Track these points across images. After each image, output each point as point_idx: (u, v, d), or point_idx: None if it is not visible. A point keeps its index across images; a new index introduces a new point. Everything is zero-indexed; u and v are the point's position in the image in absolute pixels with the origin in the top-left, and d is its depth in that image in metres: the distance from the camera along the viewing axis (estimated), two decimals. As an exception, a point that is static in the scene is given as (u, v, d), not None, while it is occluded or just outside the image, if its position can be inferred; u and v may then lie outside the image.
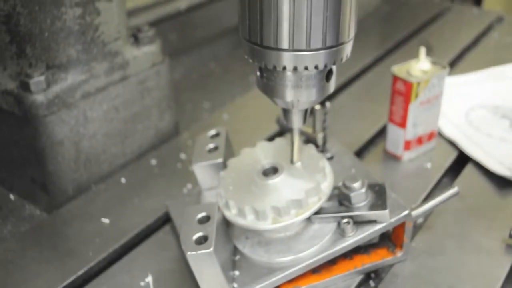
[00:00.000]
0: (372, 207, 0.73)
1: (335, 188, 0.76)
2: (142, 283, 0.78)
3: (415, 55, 0.98)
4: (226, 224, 0.77)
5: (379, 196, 0.75)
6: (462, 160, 1.02)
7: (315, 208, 0.73)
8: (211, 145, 0.85)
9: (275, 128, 1.08)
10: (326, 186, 0.75)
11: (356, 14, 0.63)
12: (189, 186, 0.96)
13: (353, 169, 0.85)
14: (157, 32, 1.04)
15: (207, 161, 0.83)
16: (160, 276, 0.79)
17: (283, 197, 0.72)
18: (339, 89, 1.30)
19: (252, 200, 0.73)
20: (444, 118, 1.11)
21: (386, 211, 0.72)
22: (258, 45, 0.62)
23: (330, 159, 0.88)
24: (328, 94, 0.68)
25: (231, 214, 0.74)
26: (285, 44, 0.60)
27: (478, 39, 1.55)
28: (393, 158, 1.02)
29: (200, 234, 0.67)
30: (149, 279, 0.78)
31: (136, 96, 1.01)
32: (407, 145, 1.00)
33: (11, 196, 0.99)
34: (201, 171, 0.84)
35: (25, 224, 0.92)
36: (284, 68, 0.62)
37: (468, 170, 0.99)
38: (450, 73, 1.26)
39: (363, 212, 0.73)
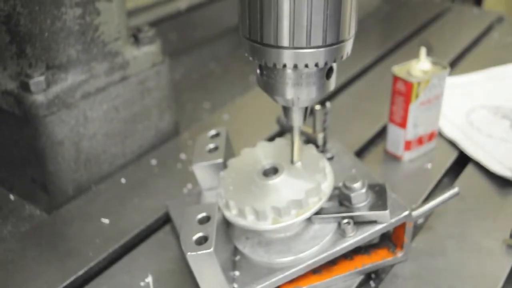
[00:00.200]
0: (373, 207, 0.73)
1: (336, 188, 0.76)
2: (142, 283, 0.78)
3: (415, 55, 0.98)
4: (226, 225, 0.77)
5: (379, 196, 0.74)
6: (462, 160, 1.02)
7: (315, 208, 0.72)
8: (211, 145, 0.85)
9: (275, 128, 1.08)
10: (327, 186, 0.75)
11: (357, 11, 0.63)
12: (189, 186, 0.96)
13: (353, 169, 0.85)
14: (157, 32, 1.04)
15: (207, 161, 0.82)
16: (160, 276, 0.79)
17: (283, 197, 0.72)
18: (339, 89, 1.30)
19: (252, 201, 0.72)
20: (444, 118, 1.11)
21: (387, 212, 0.72)
22: (258, 43, 0.62)
23: (330, 159, 0.88)
24: (329, 92, 0.68)
25: (231, 215, 0.74)
26: (285, 42, 0.60)
27: (478, 39, 1.55)
28: (393, 158, 1.02)
29: (200, 234, 0.67)
30: (149, 279, 0.78)
31: (136, 96, 1.01)
32: (408, 145, 1.00)
33: (11, 196, 0.99)
34: (201, 171, 0.83)
35: (25, 224, 0.92)
36: (284, 65, 0.62)
37: (469, 171, 0.99)
38: (451, 73, 1.26)
39: (363, 212, 0.73)
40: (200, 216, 0.70)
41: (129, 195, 0.95)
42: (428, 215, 0.87)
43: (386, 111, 1.02)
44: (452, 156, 1.03)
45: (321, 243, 0.73)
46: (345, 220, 0.73)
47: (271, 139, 0.89)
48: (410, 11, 1.78)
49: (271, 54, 0.62)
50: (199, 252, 0.65)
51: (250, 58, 0.65)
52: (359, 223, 0.74)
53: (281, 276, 0.72)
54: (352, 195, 0.73)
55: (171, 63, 1.07)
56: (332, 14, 0.59)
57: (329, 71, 0.66)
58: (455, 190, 0.79)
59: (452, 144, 1.06)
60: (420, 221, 0.87)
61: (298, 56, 0.61)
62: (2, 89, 0.87)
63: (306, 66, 0.62)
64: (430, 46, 1.36)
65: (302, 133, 0.87)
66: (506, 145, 1.04)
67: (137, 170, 1.02)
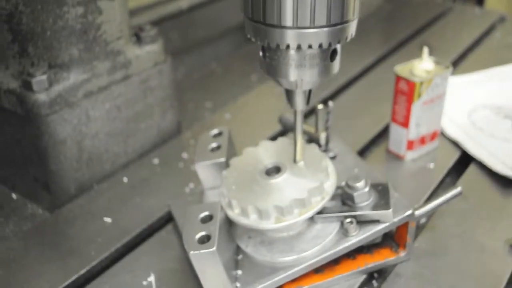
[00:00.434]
0: (375, 206, 0.73)
1: (338, 187, 0.76)
2: (144, 283, 0.77)
3: (417, 55, 0.98)
4: (229, 224, 0.77)
5: (382, 195, 0.74)
6: (465, 160, 1.02)
7: (318, 207, 0.72)
8: (214, 144, 0.85)
9: (277, 127, 1.08)
10: (329, 185, 0.75)
11: None
12: (192, 185, 0.96)
13: (356, 168, 0.85)
14: (159, 31, 1.03)
15: (210, 160, 0.82)
16: (163, 275, 0.79)
17: (286, 196, 0.72)
18: (342, 89, 1.30)
19: (255, 200, 0.72)
20: (447, 118, 1.11)
21: (389, 211, 0.72)
22: (261, 23, 0.61)
23: (333, 158, 0.88)
24: (333, 74, 0.67)
25: (234, 214, 0.74)
26: (288, 22, 0.59)
27: (480, 39, 1.55)
28: (396, 157, 1.02)
29: (203, 233, 0.67)
30: (152, 278, 0.78)
31: (139, 95, 1.00)
32: (410, 145, 0.99)
33: (13, 195, 0.99)
34: (204, 170, 0.83)
35: (27, 223, 0.92)
36: (288, 46, 0.61)
37: (471, 170, 0.99)
38: (453, 73, 1.26)
39: (366, 211, 0.73)
40: (202, 215, 0.70)
41: (131, 194, 0.95)
42: (430, 215, 0.87)
43: (388, 110, 1.02)
44: (455, 155, 1.03)
45: (324, 242, 0.73)
46: (348, 220, 0.73)
47: (273, 138, 0.89)
48: (411, 10, 1.78)
49: (274, 34, 0.61)
50: (202, 251, 0.65)
51: (253, 39, 0.64)
52: (361, 222, 0.74)
53: (283, 275, 0.72)
54: (355, 194, 0.73)
55: (173, 63, 1.07)
56: None
57: (333, 53, 0.65)
58: (457, 189, 0.79)
59: (455, 143, 1.06)
60: (423, 220, 0.87)
61: (302, 36, 0.60)
62: (4, 88, 0.87)
63: (310, 46, 0.61)
64: (432, 46, 1.36)
65: (304, 132, 0.87)
66: (508, 145, 1.04)
67: (139, 169, 1.02)
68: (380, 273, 0.79)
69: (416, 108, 0.96)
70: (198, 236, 0.67)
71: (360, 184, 0.73)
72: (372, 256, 0.77)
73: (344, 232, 0.73)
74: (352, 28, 0.63)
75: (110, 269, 0.81)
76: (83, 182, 0.95)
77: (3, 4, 0.84)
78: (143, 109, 1.02)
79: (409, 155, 1.01)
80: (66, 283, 0.78)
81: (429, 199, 0.82)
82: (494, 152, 1.01)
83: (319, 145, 0.88)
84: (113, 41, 0.94)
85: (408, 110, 0.96)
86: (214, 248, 0.64)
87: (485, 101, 1.20)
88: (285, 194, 0.72)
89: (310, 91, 0.70)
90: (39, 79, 0.84)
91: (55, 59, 0.88)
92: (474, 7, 1.90)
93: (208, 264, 0.67)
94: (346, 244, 0.73)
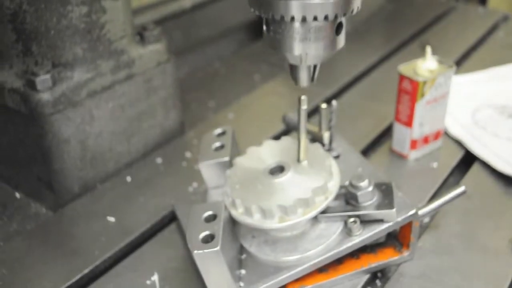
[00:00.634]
0: (379, 206, 0.73)
1: (342, 187, 0.76)
2: (148, 282, 0.78)
3: (420, 54, 0.98)
4: (233, 223, 0.76)
5: (386, 195, 0.74)
6: (468, 159, 1.02)
7: (322, 207, 0.72)
8: (217, 144, 0.85)
9: (281, 126, 1.08)
10: (333, 185, 0.75)
11: None
12: (195, 184, 0.96)
13: (359, 168, 0.85)
14: (162, 30, 1.03)
15: (213, 159, 0.82)
16: (166, 274, 0.79)
17: (289, 196, 0.72)
18: (345, 88, 1.30)
19: (259, 199, 0.72)
20: (450, 117, 1.11)
21: (393, 210, 0.72)
22: None
23: (336, 158, 0.88)
24: (338, 49, 0.66)
25: (238, 213, 0.74)
26: None
27: (483, 38, 1.55)
28: (399, 157, 1.02)
29: (206, 232, 0.67)
30: (155, 277, 0.78)
31: (142, 94, 1.01)
32: (414, 144, 0.99)
33: (17, 195, 0.99)
34: (207, 169, 0.83)
35: (30, 223, 0.92)
36: (293, 18, 0.60)
37: (475, 170, 0.99)
38: (456, 73, 1.26)
39: (370, 211, 0.73)
40: (206, 214, 0.70)
41: (135, 194, 0.95)
42: (434, 214, 0.87)
43: (392, 110, 1.02)
44: (458, 155, 1.03)
45: (327, 242, 0.73)
46: (352, 219, 0.73)
47: (277, 137, 0.89)
48: (414, 10, 1.77)
49: (279, 6, 0.60)
50: (206, 250, 0.65)
51: (256, 12, 0.63)
52: (365, 222, 0.74)
53: (287, 274, 0.72)
54: (359, 193, 0.73)
55: (176, 62, 1.07)
56: None
57: (339, 26, 0.64)
58: (461, 189, 0.79)
59: (458, 143, 1.06)
60: (426, 220, 0.87)
61: (307, 8, 0.59)
62: (8, 87, 0.87)
63: (315, 18, 0.60)
64: (435, 45, 1.36)
65: (308, 131, 0.87)
66: (512, 144, 1.04)
67: (143, 168, 1.02)
68: (384, 273, 0.79)
69: (420, 107, 0.96)
70: (201, 235, 0.67)
71: (363, 184, 0.73)
72: (375, 256, 0.77)
73: (347, 232, 0.73)
74: (358, 0, 0.62)
75: (114, 269, 0.81)
76: (86, 181, 0.95)
77: (7, 3, 0.84)
78: (147, 108, 1.02)
79: (413, 155, 1.00)
80: (70, 282, 0.78)
81: (433, 198, 0.82)
82: (498, 152, 1.01)
83: (323, 145, 0.88)
84: (117, 40, 0.94)
85: (412, 110, 0.96)
86: (218, 248, 0.64)
87: (488, 100, 1.20)
88: (289, 193, 0.72)
89: (315, 67, 0.68)
90: (43, 78, 0.84)
91: (59, 58, 0.88)
92: (477, 7, 1.90)
93: (212, 264, 0.67)
94: (350, 244, 0.73)
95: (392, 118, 1.02)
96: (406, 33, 1.58)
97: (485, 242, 0.82)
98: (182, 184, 0.97)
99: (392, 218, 0.73)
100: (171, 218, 0.90)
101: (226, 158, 0.82)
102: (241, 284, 0.72)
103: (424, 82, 0.93)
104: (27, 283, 0.78)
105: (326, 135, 0.88)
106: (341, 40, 0.65)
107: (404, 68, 0.96)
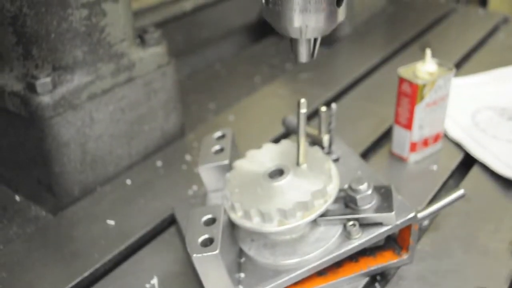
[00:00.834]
0: (378, 209, 0.73)
1: (341, 190, 0.76)
2: (147, 285, 0.78)
3: (420, 56, 0.98)
4: (232, 226, 0.77)
5: (385, 198, 0.74)
6: (468, 162, 1.02)
7: (321, 210, 0.72)
8: (217, 147, 0.85)
9: (280, 129, 1.08)
10: (332, 188, 0.75)
11: None
12: (195, 187, 0.96)
13: (359, 171, 0.85)
14: (163, 33, 1.04)
15: (213, 163, 0.82)
16: (166, 278, 0.79)
17: (289, 199, 0.72)
18: (345, 91, 1.30)
19: (258, 202, 0.72)
20: (450, 120, 1.11)
21: (392, 214, 0.72)
22: None
23: (336, 161, 0.88)
24: (339, 22, 0.64)
25: (237, 216, 0.74)
26: None
27: (483, 40, 1.55)
28: (399, 160, 1.02)
29: (205, 236, 0.67)
30: (155, 281, 0.78)
31: (142, 97, 1.01)
32: (413, 147, 0.99)
33: (17, 197, 0.99)
34: (207, 173, 0.83)
35: (30, 226, 0.92)
36: None
37: (474, 172, 0.99)
38: (456, 75, 1.26)
39: (369, 214, 0.73)
40: (205, 218, 0.70)
41: (135, 197, 0.95)
42: (433, 217, 0.87)
43: (391, 112, 1.02)
44: (458, 157, 1.03)
45: (327, 245, 0.73)
46: (351, 222, 0.73)
47: (277, 140, 0.89)
48: (415, 12, 1.77)
49: None
50: (205, 254, 0.65)
51: None
52: (364, 225, 0.74)
53: (286, 278, 0.72)
54: (358, 197, 0.73)
55: (176, 64, 1.07)
56: None
57: None
58: (460, 192, 0.79)
59: (458, 145, 1.06)
60: (426, 223, 0.87)
61: None
62: (9, 90, 0.88)
63: None
64: (435, 47, 1.36)
65: (307, 134, 0.87)
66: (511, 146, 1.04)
67: (143, 171, 1.02)
68: (383, 276, 0.79)
69: (419, 110, 0.96)
70: (201, 239, 0.67)
71: (363, 187, 0.73)
72: (375, 259, 0.77)
73: (347, 235, 0.73)
74: None
75: (113, 272, 0.81)
76: (86, 184, 0.96)
77: (8, 6, 0.84)
78: (147, 111, 1.02)
79: (412, 157, 1.01)
80: (70, 285, 0.78)
81: (432, 201, 0.82)
82: (498, 154, 1.01)
83: (322, 148, 0.88)
84: (117, 43, 0.94)
85: (411, 112, 0.96)
86: (217, 251, 0.65)
87: (488, 102, 1.20)
88: (288, 197, 0.72)
89: (315, 41, 0.66)
90: (43, 81, 0.85)
91: (59, 62, 0.89)
92: (478, 8, 1.90)
93: (211, 267, 0.67)
94: (349, 247, 0.73)
95: (392, 121, 1.02)
96: (406, 35, 1.58)
97: (484, 245, 0.82)
98: (182, 187, 0.97)
99: (391, 221, 0.73)
100: (171, 221, 0.90)
101: (226, 162, 0.82)
102: (240, 287, 0.72)
103: (424, 85, 0.93)
104: (27, 286, 0.78)
105: (325, 138, 0.88)
106: (342, 12, 0.64)
107: (404, 71, 0.97)
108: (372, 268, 0.76)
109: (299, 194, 0.72)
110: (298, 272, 0.72)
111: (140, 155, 1.04)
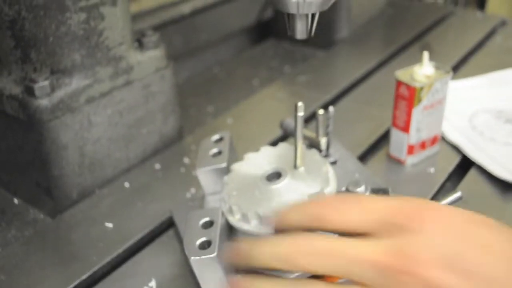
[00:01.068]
0: (376, 212, 0.73)
1: (339, 193, 0.76)
2: (145, 288, 0.78)
3: (418, 59, 0.98)
4: (230, 229, 0.77)
5: (382, 201, 0.74)
6: (465, 164, 1.02)
7: (318, 213, 0.72)
8: (215, 150, 0.85)
9: (278, 132, 1.08)
10: (330, 191, 0.75)
11: None
12: (193, 190, 0.96)
13: (356, 173, 0.85)
14: (161, 36, 1.04)
15: (211, 166, 0.83)
16: (164, 280, 0.79)
17: (286, 202, 0.72)
18: (343, 94, 1.30)
19: (256, 205, 0.73)
20: (447, 122, 1.11)
21: (390, 216, 0.72)
22: None
23: (333, 163, 0.88)
24: None
25: (235, 219, 0.74)
26: None
27: (481, 43, 1.55)
28: (396, 162, 1.02)
29: (203, 239, 0.67)
30: (153, 283, 0.78)
31: (141, 100, 1.01)
32: (411, 150, 1.00)
33: (15, 200, 0.99)
34: (205, 176, 0.84)
35: (29, 229, 0.92)
36: None
37: (472, 175, 0.99)
38: (454, 77, 1.26)
39: (366, 217, 0.73)
40: (203, 221, 0.70)
41: (133, 199, 0.95)
42: (431, 220, 0.87)
43: (389, 115, 1.02)
44: (455, 160, 1.03)
45: (324, 247, 0.73)
46: (348, 225, 0.73)
47: (275, 143, 0.89)
48: (413, 15, 1.78)
49: None
50: (203, 257, 0.65)
51: None
52: (362, 227, 0.74)
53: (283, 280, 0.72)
54: (355, 200, 0.73)
55: (175, 67, 1.08)
56: None
57: None
58: (458, 194, 0.79)
59: (455, 148, 1.06)
60: (423, 225, 0.87)
61: None
62: (7, 93, 0.88)
63: None
64: (433, 50, 1.36)
65: (305, 137, 0.87)
66: (509, 149, 1.04)
67: (141, 174, 1.02)
68: (381, 278, 0.79)
69: (417, 113, 0.96)
70: (198, 241, 0.67)
71: (360, 189, 0.74)
72: (372, 261, 0.77)
73: (344, 238, 0.73)
74: None
75: (112, 274, 0.81)
76: (85, 187, 0.96)
77: (6, 10, 0.85)
78: (145, 114, 1.03)
79: (410, 160, 1.01)
80: (68, 288, 0.78)
81: (430, 204, 0.82)
82: (495, 157, 1.01)
83: (320, 150, 0.88)
84: (115, 46, 0.95)
85: (409, 115, 0.96)
86: (215, 254, 0.65)
87: (486, 105, 1.20)
88: (286, 199, 0.73)
89: (313, 17, 0.65)
90: (42, 84, 0.85)
91: (57, 65, 0.89)
92: (476, 11, 1.91)
93: (209, 270, 0.67)
94: (347, 250, 0.73)
95: (390, 124, 1.02)
96: (405, 38, 1.58)
97: (481, 248, 0.82)
98: (180, 190, 0.97)
99: (389, 224, 0.73)
100: (169, 224, 0.90)
101: (224, 165, 0.82)
102: (238, 290, 0.72)
103: (421, 88, 0.94)
104: (25, 289, 0.78)
105: (323, 141, 0.88)
106: None
107: (401, 74, 0.97)
108: (370, 270, 0.76)
109: (296, 197, 0.72)
110: (296, 274, 0.72)
111: (138, 158, 1.04)
